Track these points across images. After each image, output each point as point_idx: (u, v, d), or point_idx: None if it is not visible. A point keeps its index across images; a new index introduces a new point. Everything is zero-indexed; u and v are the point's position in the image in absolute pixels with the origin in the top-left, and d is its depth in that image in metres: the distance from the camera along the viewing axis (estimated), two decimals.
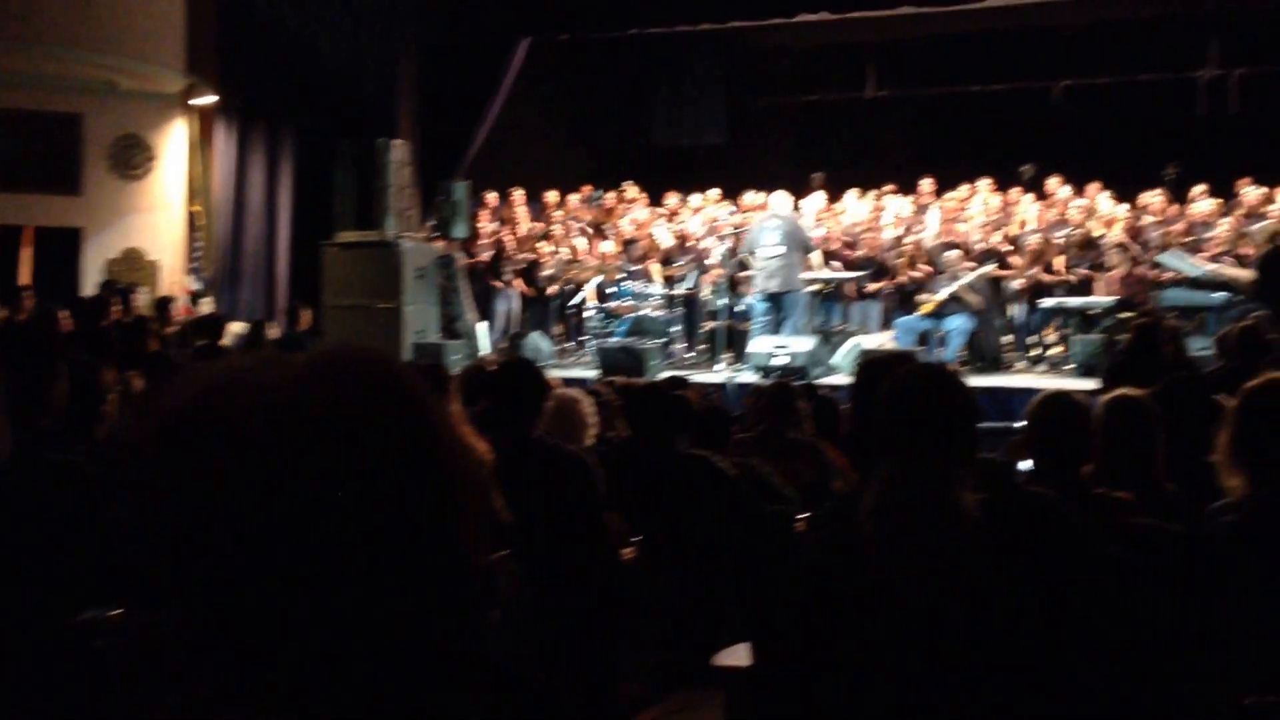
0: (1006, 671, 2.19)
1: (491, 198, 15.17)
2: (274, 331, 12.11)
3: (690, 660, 5.31)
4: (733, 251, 13.63)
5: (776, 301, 12.35)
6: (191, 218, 14.17)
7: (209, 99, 14.12)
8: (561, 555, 4.35)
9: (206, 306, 13.24)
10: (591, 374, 11.09)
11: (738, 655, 3.89)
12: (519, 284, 14.31)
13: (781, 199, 13.04)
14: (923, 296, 12.61)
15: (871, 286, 13.43)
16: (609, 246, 14.55)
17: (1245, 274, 11.38)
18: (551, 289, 14.14)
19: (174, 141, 14.26)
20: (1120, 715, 2.79)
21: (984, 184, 14.35)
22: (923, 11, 14.27)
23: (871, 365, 3.11)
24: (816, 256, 13.04)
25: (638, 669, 5.15)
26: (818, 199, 14.69)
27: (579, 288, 14.00)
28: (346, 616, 0.99)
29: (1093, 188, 13.81)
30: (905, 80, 16.37)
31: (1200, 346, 9.96)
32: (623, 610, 4.87)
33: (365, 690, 1.00)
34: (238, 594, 0.96)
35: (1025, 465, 3.77)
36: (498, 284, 14.16)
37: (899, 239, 13.57)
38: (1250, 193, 12.82)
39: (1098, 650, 2.43)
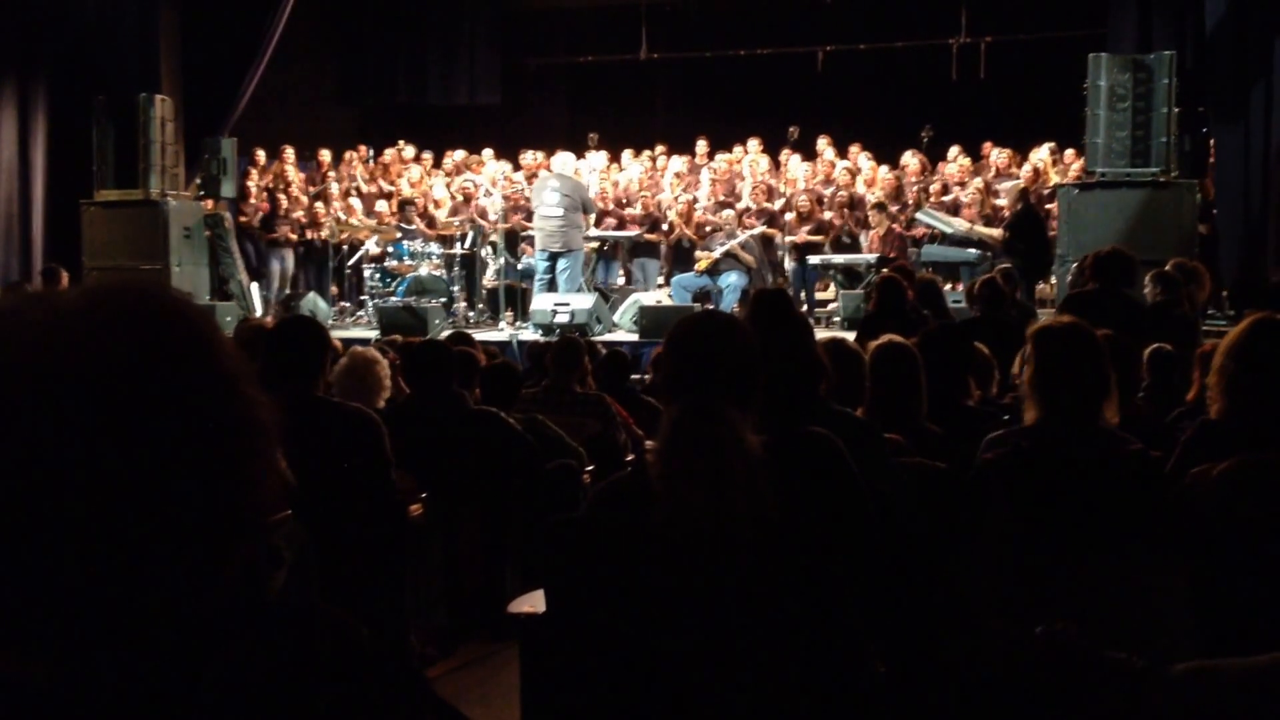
0: (786, 602, 2.31)
1: (261, 156, 14.75)
2: None
3: (478, 616, 5.37)
4: (512, 211, 13.63)
5: (557, 260, 12.43)
6: None
7: None
8: (347, 514, 4.32)
9: None
10: (371, 334, 10.92)
11: (533, 602, 3.96)
12: (294, 243, 13.96)
13: (563, 159, 13.11)
14: (699, 254, 12.96)
15: (649, 236, 13.67)
16: (385, 206, 14.36)
17: (994, 231, 12.09)
18: (328, 249, 13.85)
19: None
20: (902, 641, 2.99)
21: (754, 145, 14.82)
22: None
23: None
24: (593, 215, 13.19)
25: (425, 627, 5.16)
26: (598, 159, 14.86)
27: (356, 247, 13.76)
28: (122, 572, 0.91)
29: (854, 149, 14.41)
30: (677, 43, 16.59)
31: (956, 300, 10.56)
32: (409, 568, 4.87)
33: (147, 649, 0.94)
34: (10, 545, 0.89)
35: None
36: (275, 237, 13.79)
37: (676, 198, 13.86)
38: (997, 154, 13.60)
39: (868, 578, 2.59)
